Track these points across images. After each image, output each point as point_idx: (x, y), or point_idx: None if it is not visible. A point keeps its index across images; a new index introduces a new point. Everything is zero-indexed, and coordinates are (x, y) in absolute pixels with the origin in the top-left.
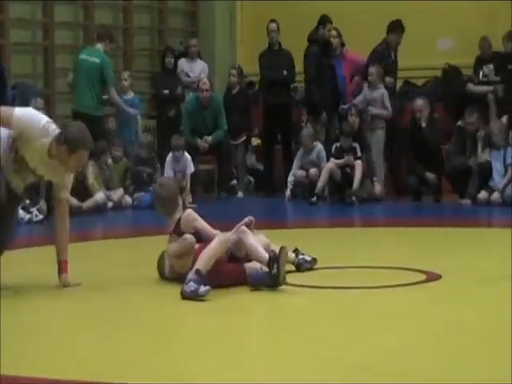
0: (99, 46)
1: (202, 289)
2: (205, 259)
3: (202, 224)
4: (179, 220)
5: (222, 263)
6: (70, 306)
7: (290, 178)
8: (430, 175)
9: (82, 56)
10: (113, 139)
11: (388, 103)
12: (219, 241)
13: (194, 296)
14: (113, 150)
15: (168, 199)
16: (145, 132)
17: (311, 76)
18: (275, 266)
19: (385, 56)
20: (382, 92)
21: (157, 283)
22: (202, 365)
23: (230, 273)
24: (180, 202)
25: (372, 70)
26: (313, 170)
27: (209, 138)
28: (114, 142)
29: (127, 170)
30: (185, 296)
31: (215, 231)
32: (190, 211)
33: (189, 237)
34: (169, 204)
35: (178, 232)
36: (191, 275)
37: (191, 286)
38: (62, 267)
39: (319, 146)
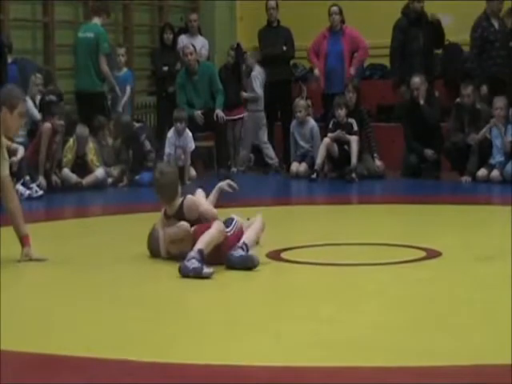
0: (96, 21)
1: (206, 270)
2: (205, 242)
3: (204, 208)
4: (181, 206)
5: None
6: (64, 281)
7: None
8: (429, 152)
9: (80, 34)
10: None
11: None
12: (218, 229)
13: (196, 274)
14: (110, 125)
15: (168, 187)
16: (141, 108)
17: (394, 49)
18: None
19: (485, 27)
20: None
21: (151, 260)
22: (191, 342)
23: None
24: (179, 189)
25: None
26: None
27: (198, 112)
28: (111, 117)
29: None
30: (185, 273)
31: (215, 211)
32: (191, 199)
33: (184, 224)
34: (169, 191)
35: (179, 217)
36: (194, 253)
37: (194, 263)
38: (24, 242)
39: (312, 122)
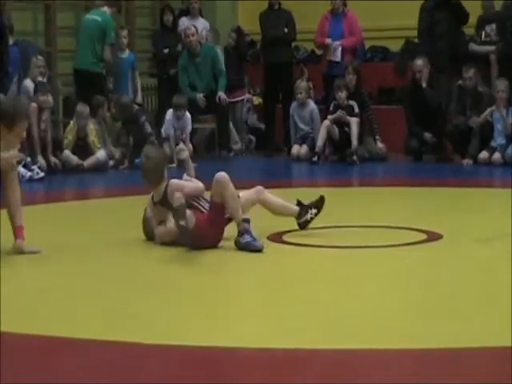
0: (105, 9)
1: (259, 243)
2: (240, 208)
3: (189, 188)
4: (165, 191)
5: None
6: (64, 264)
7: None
8: (428, 135)
9: (88, 15)
10: (111, 96)
11: None
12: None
13: (251, 248)
14: (111, 106)
15: (153, 171)
16: (142, 90)
17: (421, 31)
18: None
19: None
20: None
21: (149, 243)
22: (191, 324)
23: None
24: (166, 174)
25: None
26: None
27: (200, 95)
28: (111, 98)
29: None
30: (240, 247)
31: (201, 184)
32: (174, 182)
33: (170, 226)
34: (154, 175)
35: (164, 203)
36: (242, 226)
37: (246, 237)
38: (17, 234)
39: (312, 104)
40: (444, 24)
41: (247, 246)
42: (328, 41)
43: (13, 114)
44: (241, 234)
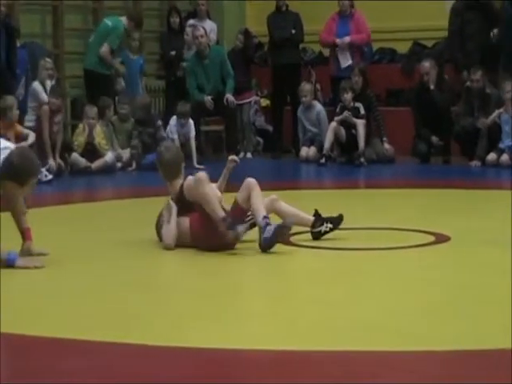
0: (122, 19)
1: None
2: (262, 206)
3: (206, 189)
4: (181, 186)
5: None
6: (72, 265)
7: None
8: (434, 139)
9: (104, 19)
10: (119, 97)
11: None
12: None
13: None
14: (118, 107)
15: (171, 163)
16: (150, 92)
17: (452, 33)
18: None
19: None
20: None
21: (159, 244)
22: (197, 326)
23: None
24: (182, 169)
25: None
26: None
27: (209, 98)
28: (119, 99)
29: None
30: (269, 242)
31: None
32: (193, 179)
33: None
34: (171, 168)
35: (179, 198)
36: (264, 222)
37: (269, 230)
38: (26, 236)
39: (319, 106)
40: (474, 25)
41: (275, 234)
42: (338, 40)
43: (26, 171)
44: (263, 228)
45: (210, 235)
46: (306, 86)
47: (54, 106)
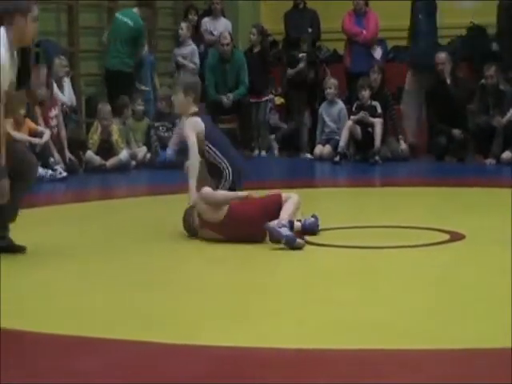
0: (135, 10)
1: (299, 240)
2: (292, 213)
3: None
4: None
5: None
6: (88, 264)
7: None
8: (457, 132)
9: (119, 16)
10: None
11: None
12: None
13: (288, 242)
14: (135, 105)
15: (190, 85)
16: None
17: (500, 29)
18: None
19: None
20: None
21: (175, 242)
22: (213, 324)
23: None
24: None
25: None
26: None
27: (231, 95)
28: (134, 97)
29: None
30: (276, 237)
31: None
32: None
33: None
34: (190, 92)
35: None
36: (285, 222)
37: (286, 231)
38: None
39: (341, 104)
40: None
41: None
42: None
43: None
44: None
45: (247, 223)
46: (330, 80)
47: (40, 97)
